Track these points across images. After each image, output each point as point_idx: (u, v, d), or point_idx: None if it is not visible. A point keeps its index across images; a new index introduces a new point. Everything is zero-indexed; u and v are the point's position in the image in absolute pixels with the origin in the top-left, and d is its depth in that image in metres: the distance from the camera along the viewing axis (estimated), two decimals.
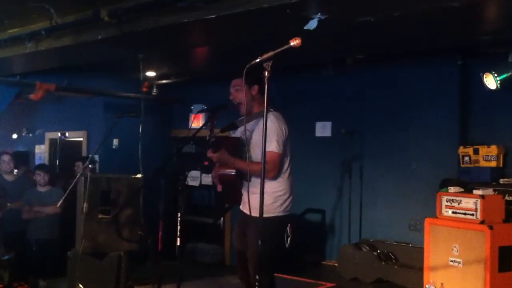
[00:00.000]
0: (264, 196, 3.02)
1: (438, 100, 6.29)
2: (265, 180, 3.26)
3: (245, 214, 3.80)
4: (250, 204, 3.55)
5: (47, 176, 6.77)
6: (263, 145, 2.91)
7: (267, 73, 2.82)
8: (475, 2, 4.06)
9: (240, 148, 3.77)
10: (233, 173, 3.76)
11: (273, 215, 3.70)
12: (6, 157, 6.92)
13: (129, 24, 4.70)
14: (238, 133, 3.96)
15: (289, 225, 3.77)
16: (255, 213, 3.05)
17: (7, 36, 5.69)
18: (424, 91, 6.40)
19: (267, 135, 3.02)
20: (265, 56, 2.79)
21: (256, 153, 3.71)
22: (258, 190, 2.95)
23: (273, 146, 3.65)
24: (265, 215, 3.31)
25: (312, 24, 4.04)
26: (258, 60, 2.81)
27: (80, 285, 5.24)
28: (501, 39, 5.12)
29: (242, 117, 3.87)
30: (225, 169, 3.80)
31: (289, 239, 3.76)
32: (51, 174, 6.91)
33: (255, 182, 3.61)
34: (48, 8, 4.92)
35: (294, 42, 2.73)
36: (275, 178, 3.73)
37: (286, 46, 2.74)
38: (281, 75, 6.49)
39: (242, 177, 3.74)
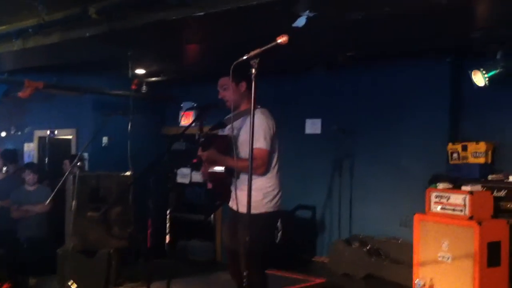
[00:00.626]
0: (253, 192, 3.03)
1: (429, 97, 6.30)
2: (254, 177, 3.27)
3: (234, 211, 3.79)
4: (238, 201, 3.55)
5: (36, 176, 6.74)
6: (250, 143, 2.90)
7: (254, 71, 2.82)
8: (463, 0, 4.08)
9: (229, 145, 3.77)
10: (222, 170, 3.76)
11: (263, 211, 3.70)
12: None
13: (117, 21, 4.68)
14: (226, 131, 3.95)
15: (279, 220, 3.77)
16: (244, 210, 3.05)
17: None
18: (414, 89, 6.42)
19: (254, 132, 3.02)
20: (252, 53, 2.79)
21: (244, 151, 3.70)
22: (246, 187, 2.94)
23: (261, 143, 3.65)
24: (254, 211, 3.32)
25: (300, 22, 4.04)
26: (245, 57, 2.81)
27: (72, 281, 5.24)
28: (491, 37, 5.14)
29: (230, 115, 3.87)
30: (214, 167, 3.80)
31: (279, 233, 3.77)
32: (39, 173, 6.87)
33: (244, 179, 3.60)
34: (36, 5, 4.88)
35: (281, 40, 2.73)
36: (263, 174, 3.73)
37: (273, 44, 2.74)
38: (271, 72, 6.49)
39: (232, 174, 3.74)
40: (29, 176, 6.73)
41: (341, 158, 6.96)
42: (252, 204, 2.97)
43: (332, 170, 7.11)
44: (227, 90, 3.78)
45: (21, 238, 6.66)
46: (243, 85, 3.80)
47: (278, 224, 3.81)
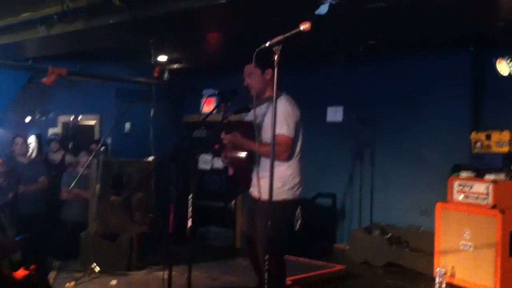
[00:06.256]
0: (274, 180, 3.03)
1: (450, 86, 6.26)
2: (276, 163, 3.27)
3: (253, 197, 3.81)
4: (258, 187, 3.57)
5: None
6: (272, 129, 2.91)
7: (277, 57, 2.82)
8: None
9: (252, 131, 3.77)
10: (244, 156, 3.76)
11: (282, 198, 3.70)
12: (19, 140, 6.94)
13: (140, 9, 4.70)
14: (250, 116, 3.96)
15: (298, 208, 3.77)
16: (264, 197, 3.06)
17: (19, 21, 5.72)
18: (436, 78, 6.37)
19: (278, 118, 3.02)
20: (275, 40, 2.79)
21: (268, 136, 3.69)
22: (267, 174, 2.95)
23: (284, 129, 3.65)
24: (274, 199, 3.33)
25: (323, 9, 4.02)
26: (267, 44, 2.81)
27: (95, 264, 5.34)
28: None
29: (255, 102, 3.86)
30: (237, 152, 3.81)
31: (298, 222, 3.76)
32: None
33: (265, 166, 3.60)
34: None
35: (304, 26, 2.72)
36: (287, 160, 3.73)
37: (295, 31, 2.73)
38: (293, 60, 6.47)
39: (253, 161, 3.74)
40: (84, 160, 6.75)
41: (362, 146, 6.94)
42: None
43: (353, 158, 7.09)
44: (253, 78, 3.77)
45: (66, 221, 6.70)
46: (269, 73, 3.77)
47: (298, 212, 3.79)
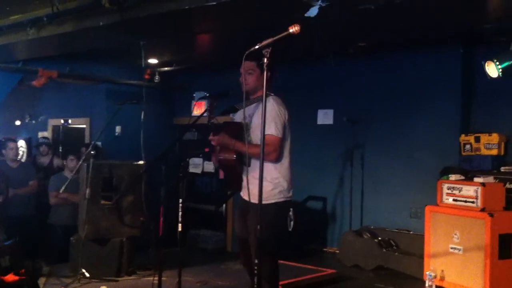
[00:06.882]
0: (264, 183, 3.03)
1: (440, 88, 6.28)
2: (265, 165, 3.26)
3: (245, 200, 3.80)
4: (249, 190, 3.56)
5: (74, 161, 6.67)
6: (262, 129, 2.90)
7: (266, 60, 2.82)
8: None
9: (240, 132, 3.76)
10: (233, 157, 3.75)
11: (273, 201, 3.70)
12: (13, 145, 7.00)
13: (130, 10, 4.69)
14: (237, 117, 3.95)
15: (291, 209, 3.75)
16: (255, 200, 3.05)
17: (9, 23, 5.70)
18: (426, 80, 6.39)
19: (266, 118, 3.01)
20: (264, 42, 2.79)
21: (256, 137, 3.69)
22: (258, 176, 2.94)
23: (272, 130, 3.64)
24: (265, 202, 3.33)
25: (312, 11, 4.03)
26: (257, 46, 2.81)
27: (83, 270, 5.30)
28: (503, 27, 5.10)
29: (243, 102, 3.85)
30: (226, 153, 3.79)
31: (292, 222, 3.76)
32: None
33: (255, 167, 3.57)
34: None
35: (293, 29, 2.72)
36: (276, 161, 3.71)
37: (285, 33, 2.73)
38: (284, 63, 6.48)
39: (242, 162, 3.73)
40: (73, 163, 6.66)
41: (353, 149, 6.95)
42: (263, 194, 2.97)
43: (343, 161, 7.10)
44: (251, 75, 3.76)
45: (56, 225, 6.63)
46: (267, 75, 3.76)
47: (290, 213, 3.78)
